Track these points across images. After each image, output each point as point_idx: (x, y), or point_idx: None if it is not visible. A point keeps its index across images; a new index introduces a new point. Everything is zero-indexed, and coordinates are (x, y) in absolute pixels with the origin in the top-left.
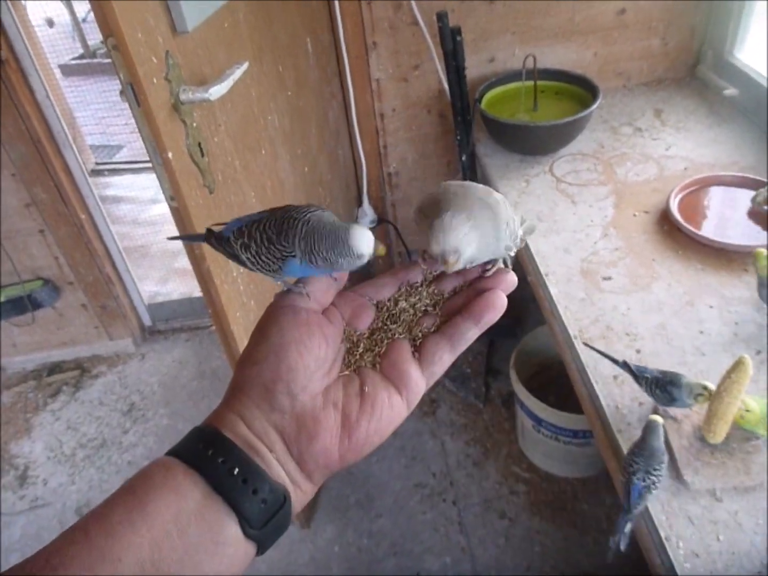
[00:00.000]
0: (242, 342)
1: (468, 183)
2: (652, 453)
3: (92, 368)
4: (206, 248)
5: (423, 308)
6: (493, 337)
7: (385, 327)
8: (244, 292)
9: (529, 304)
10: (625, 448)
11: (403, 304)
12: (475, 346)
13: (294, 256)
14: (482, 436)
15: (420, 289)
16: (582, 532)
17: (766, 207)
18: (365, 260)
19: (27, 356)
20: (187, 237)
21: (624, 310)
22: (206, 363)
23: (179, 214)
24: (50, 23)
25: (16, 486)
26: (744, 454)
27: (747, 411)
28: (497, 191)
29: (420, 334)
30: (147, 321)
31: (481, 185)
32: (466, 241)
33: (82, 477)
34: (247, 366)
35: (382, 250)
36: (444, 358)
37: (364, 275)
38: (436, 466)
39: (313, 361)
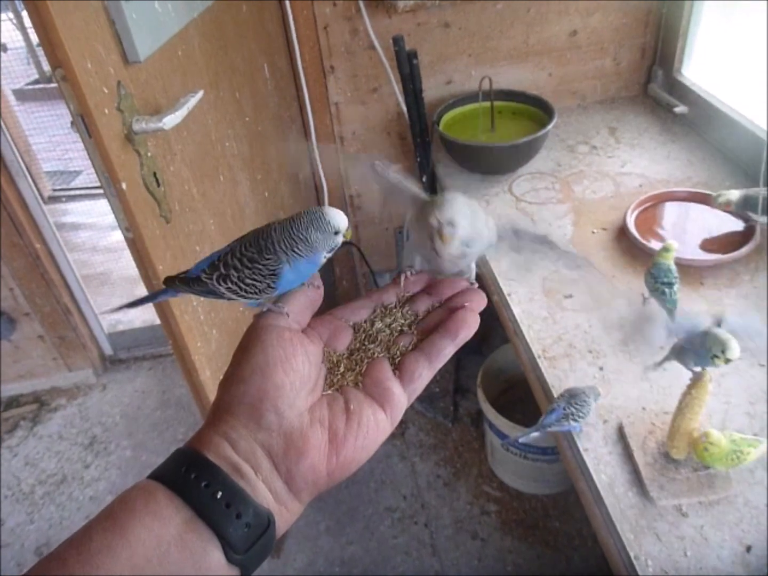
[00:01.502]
0: (204, 372)
1: None
2: (578, 394)
3: (51, 401)
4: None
5: (399, 328)
6: (460, 354)
7: (364, 347)
8: (204, 321)
9: (494, 321)
10: (591, 466)
11: (379, 324)
12: (443, 365)
13: (281, 265)
14: (452, 456)
15: (394, 310)
16: (554, 549)
17: (729, 208)
18: (340, 239)
19: None
20: (142, 300)
21: (586, 327)
22: (170, 392)
23: (135, 246)
24: (3, 48)
25: None
26: (707, 468)
27: (710, 444)
28: None
29: (398, 353)
30: (108, 350)
31: None
32: (462, 214)
33: (42, 515)
34: (232, 385)
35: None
36: (423, 374)
37: (331, 302)
38: (407, 489)
39: (298, 379)
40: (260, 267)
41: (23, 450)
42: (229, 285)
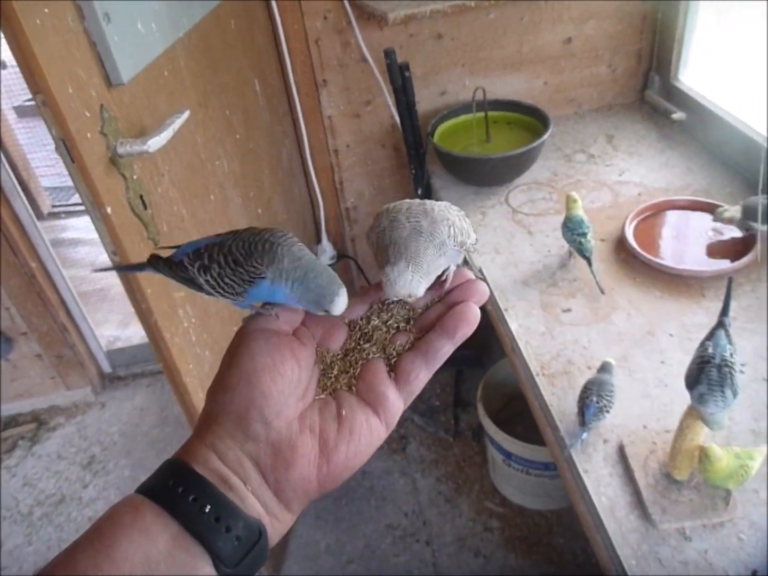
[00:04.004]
0: (197, 394)
1: (399, 209)
2: (603, 383)
3: (50, 420)
4: (153, 301)
5: (396, 325)
6: (460, 367)
7: (359, 347)
8: (196, 343)
9: (494, 333)
10: (591, 489)
11: (375, 321)
12: (443, 377)
13: (264, 278)
14: (454, 471)
15: (392, 306)
16: (558, 566)
17: (731, 224)
18: (320, 314)
19: None
20: (123, 267)
21: (585, 342)
22: (168, 409)
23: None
24: (3, 65)
25: None
26: (711, 489)
27: (715, 463)
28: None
29: (394, 353)
30: (106, 368)
31: (414, 202)
32: (415, 284)
33: (40, 537)
34: (219, 393)
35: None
36: (420, 376)
37: None
38: (408, 506)
39: (287, 385)
40: (242, 271)
41: (22, 470)
42: (209, 278)
